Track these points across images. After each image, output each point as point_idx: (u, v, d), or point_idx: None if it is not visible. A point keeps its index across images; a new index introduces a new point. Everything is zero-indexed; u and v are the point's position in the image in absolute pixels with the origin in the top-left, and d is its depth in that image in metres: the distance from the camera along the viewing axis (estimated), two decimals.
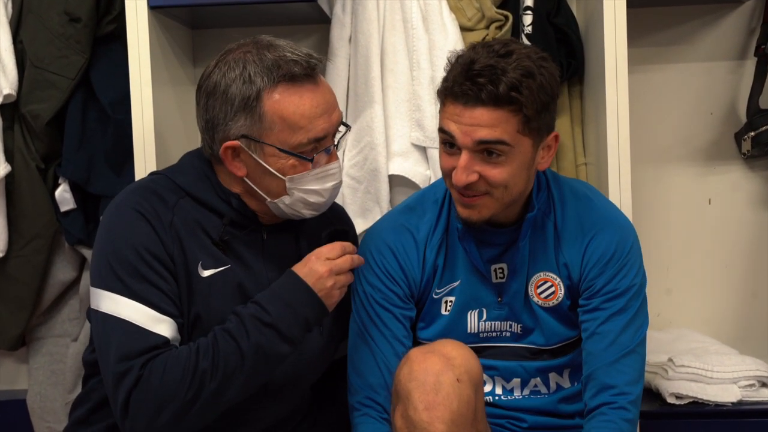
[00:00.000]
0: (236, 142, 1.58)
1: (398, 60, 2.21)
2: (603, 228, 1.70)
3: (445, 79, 1.60)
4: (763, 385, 2.06)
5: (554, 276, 1.71)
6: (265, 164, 1.58)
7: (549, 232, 1.72)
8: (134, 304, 1.50)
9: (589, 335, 1.67)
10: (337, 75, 2.24)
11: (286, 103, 1.56)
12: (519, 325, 1.74)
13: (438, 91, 1.63)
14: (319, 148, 1.60)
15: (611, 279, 1.67)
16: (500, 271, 1.73)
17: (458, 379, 1.54)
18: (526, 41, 2.21)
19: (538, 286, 1.72)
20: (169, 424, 1.47)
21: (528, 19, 2.22)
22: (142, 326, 1.49)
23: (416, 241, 1.74)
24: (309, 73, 1.59)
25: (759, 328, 2.44)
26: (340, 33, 2.26)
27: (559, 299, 1.72)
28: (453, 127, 1.57)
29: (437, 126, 1.79)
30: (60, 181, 2.22)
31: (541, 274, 1.72)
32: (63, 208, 2.21)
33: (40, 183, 2.21)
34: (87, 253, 2.24)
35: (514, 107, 1.54)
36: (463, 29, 2.23)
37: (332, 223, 1.82)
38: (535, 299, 1.72)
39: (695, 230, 2.45)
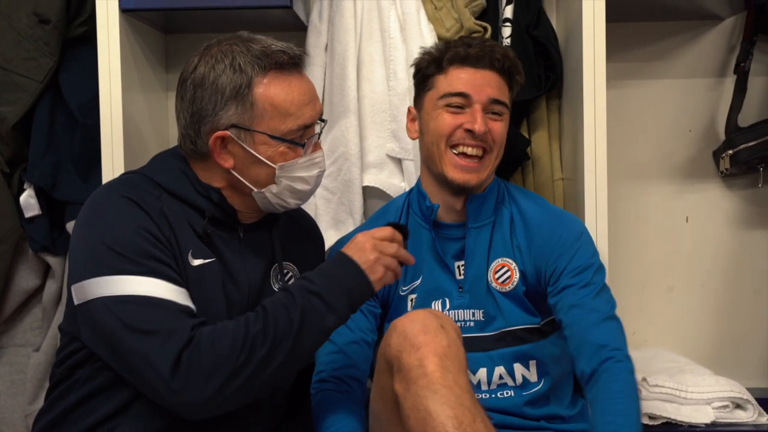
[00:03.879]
0: (226, 132, 1.59)
1: (375, 69, 2.19)
2: (552, 221, 1.81)
3: (444, 52, 1.78)
4: (738, 406, 2.04)
5: (510, 261, 1.80)
6: (255, 153, 1.59)
7: (505, 219, 1.82)
8: (154, 280, 1.49)
9: (565, 311, 1.71)
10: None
11: (277, 90, 1.59)
12: (481, 312, 1.79)
13: (426, 66, 1.79)
14: (306, 135, 1.62)
15: (572, 258, 1.75)
16: (462, 268, 1.81)
17: (442, 326, 1.55)
18: None
19: (497, 272, 1.80)
20: (217, 392, 1.45)
21: (507, 31, 2.21)
22: (170, 299, 1.49)
23: None
24: (295, 61, 1.62)
25: (735, 348, 2.43)
26: (316, 41, 2.24)
27: (515, 284, 1.79)
28: (467, 86, 1.75)
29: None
30: (25, 186, 2.17)
31: (499, 260, 1.80)
32: (27, 214, 2.17)
33: (4, 188, 2.16)
34: (51, 260, 2.20)
35: (507, 78, 1.79)
36: (441, 40, 2.20)
37: (304, 228, 1.84)
38: (494, 284, 1.79)
39: (672, 248, 2.44)
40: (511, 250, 1.80)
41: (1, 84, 2.12)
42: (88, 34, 2.13)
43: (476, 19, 2.22)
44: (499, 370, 1.78)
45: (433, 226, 1.82)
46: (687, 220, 2.45)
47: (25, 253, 2.22)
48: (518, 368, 1.78)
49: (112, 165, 2.04)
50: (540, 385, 1.79)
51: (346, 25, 2.21)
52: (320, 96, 2.23)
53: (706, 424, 2.00)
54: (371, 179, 2.18)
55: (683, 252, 2.44)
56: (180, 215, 1.60)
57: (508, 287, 1.79)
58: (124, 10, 2.06)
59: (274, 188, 1.62)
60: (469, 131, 1.74)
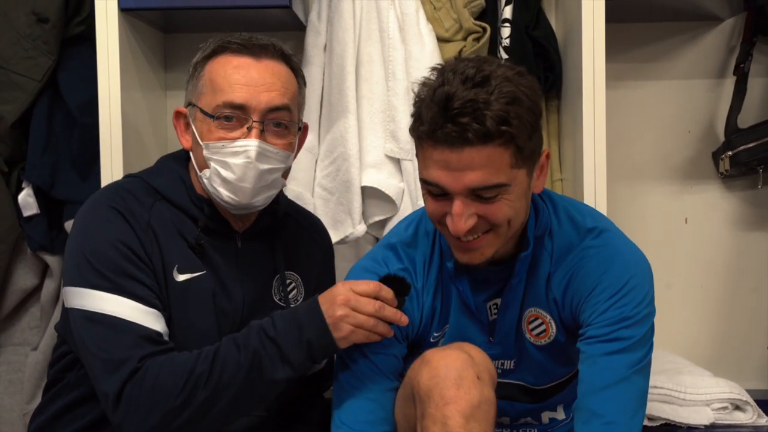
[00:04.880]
0: (182, 109, 1.62)
1: (374, 70, 2.19)
2: (595, 271, 1.53)
3: (419, 119, 1.42)
4: (737, 408, 2.03)
5: (545, 313, 1.58)
6: (194, 129, 1.58)
7: (543, 265, 1.57)
8: (121, 299, 1.47)
9: (582, 363, 1.51)
10: (310, 84, 2.19)
11: (219, 67, 1.57)
12: (512, 362, 1.63)
13: (411, 130, 1.46)
14: (240, 119, 1.55)
15: (606, 310, 1.50)
16: (494, 307, 1.60)
17: (479, 376, 1.45)
18: (503, 54, 2.19)
19: (530, 322, 1.59)
20: (156, 428, 1.44)
21: (506, 31, 2.20)
22: (132, 321, 1.47)
23: (415, 288, 1.59)
24: (251, 46, 1.58)
25: (733, 350, 2.43)
26: (314, 41, 2.24)
27: (551, 337, 1.59)
28: (440, 175, 1.40)
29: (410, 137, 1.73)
30: (23, 185, 2.17)
31: (533, 309, 1.59)
32: (26, 213, 2.16)
33: (2, 187, 2.15)
34: (50, 259, 2.19)
35: (504, 139, 1.37)
36: (441, 40, 2.21)
37: (311, 234, 1.79)
38: (527, 335, 1.60)
39: (671, 250, 2.43)
40: (546, 303, 1.57)
41: None
42: (87, 33, 2.12)
43: (475, 19, 2.21)
44: (524, 420, 1.69)
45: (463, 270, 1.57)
46: (686, 222, 2.44)
47: (24, 252, 2.22)
48: (545, 415, 1.69)
49: (111, 164, 2.04)
50: (569, 419, 1.68)
51: (344, 25, 2.20)
52: (318, 96, 2.22)
53: (705, 426, 1.99)
54: (370, 179, 2.17)
55: (682, 253, 2.43)
56: (171, 226, 1.58)
57: (544, 341, 1.59)
58: (123, 9, 2.05)
59: (207, 172, 1.57)
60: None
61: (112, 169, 2.04)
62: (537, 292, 1.57)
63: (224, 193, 1.56)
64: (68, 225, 2.14)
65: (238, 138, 1.54)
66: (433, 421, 1.42)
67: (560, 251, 1.56)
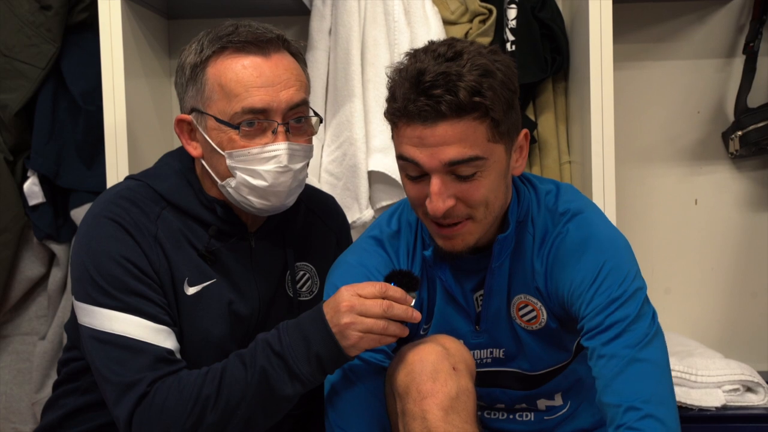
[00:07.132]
0: (187, 116, 1.52)
1: (379, 54, 2.18)
2: (572, 257, 1.49)
3: (392, 99, 1.41)
4: (748, 389, 2.03)
5: (534, 299, 1.54)
6: (208, 138, 1.49)
7: (527, 250, 1.54)
8: (130, 317, 1.43)
9: (592, 362, 1.44)
10: (316, 68, 2.20)
11: (226, 69, 1.48)
12: (501, 350, 1.59)
13: (385, 113, 1.44)
14: (263, 123, 1.48)
15: (591, 299, 1.45)
16: (481, 297, 1.56)
17: (455, 367, 1.42)
18: (510, 35, 2.18)
19: (520, 309, 1.56)
20: None
21: (512, 13, 2.19)
22: (142, 340, 1.43)
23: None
24: (257, 42, 1.48)
25: (745, 331, 2.41)
26: (319, 25, 2.22)
27: (542, 323, 1.55)
28: (415, 152, 1.38)
29: None
30: (29, 173, 2.17)
31: (522, 296, 1.55)
32: (32, 202, 2.16)
33: (8, 175, 2.16)
34: (56, 248, 2.19)
35: (479, 113, 1.36)
36: (446, 23, 2.20)
37: (323, 219, 1.74)
38: (518, 321, 1.56)
39: (681, 231, 2.42)
40: (533, 290, 1.53)
41: (3, 71, 2.11)
42: (90, 19, 2.12)
43: (481, 1, 2.20)
44: (520, 406, 1.66)
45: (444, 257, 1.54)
46: (696, 203, 2.43)
47: (30, 241, 2.22)
48: (542, 402, 1.65)
49: (116, 152, 2.03)
50: (566, 408, 1.66)
51: (350, 8, 2.19)
52: (324, 81, 2.21)
53: (716, 408, 1.99)
54: (377, 164, 2.16)
55: (692, 235, 2.42)
56: (180, 235, 1.52)
57: (536, 326, 1.55)
58: None
59: (232, 182, 1.50)
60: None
61: (117, 156, 2.02)
62: (524, 278, 1.54)
63: (255, 201, 1.51)
64: (74, 213, 2.14)
65: (266, 143, 1.48)
66: (412, 417, 1.40)
67: (540, 238, 1.53)
